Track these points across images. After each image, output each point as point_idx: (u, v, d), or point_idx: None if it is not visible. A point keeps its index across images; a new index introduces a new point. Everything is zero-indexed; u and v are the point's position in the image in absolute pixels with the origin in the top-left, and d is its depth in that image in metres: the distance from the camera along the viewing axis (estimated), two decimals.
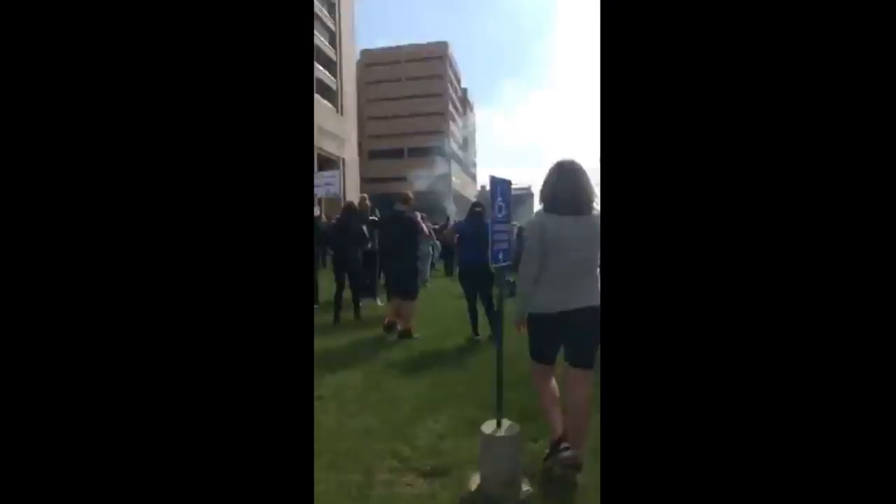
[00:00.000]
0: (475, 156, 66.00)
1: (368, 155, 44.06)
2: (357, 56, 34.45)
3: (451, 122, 47.84)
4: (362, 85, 44.35)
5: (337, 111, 27.85)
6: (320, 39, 26.75)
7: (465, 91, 56.81)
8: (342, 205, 5.35)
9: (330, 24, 27.89)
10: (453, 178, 44.30)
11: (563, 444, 1.67)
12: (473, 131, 64.23)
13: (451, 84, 48.78)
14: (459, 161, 51.66)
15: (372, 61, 46.56)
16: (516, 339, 1.91)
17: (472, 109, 62.54)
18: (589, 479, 1.66)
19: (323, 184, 6.57)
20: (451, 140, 48.05)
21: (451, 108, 48.40)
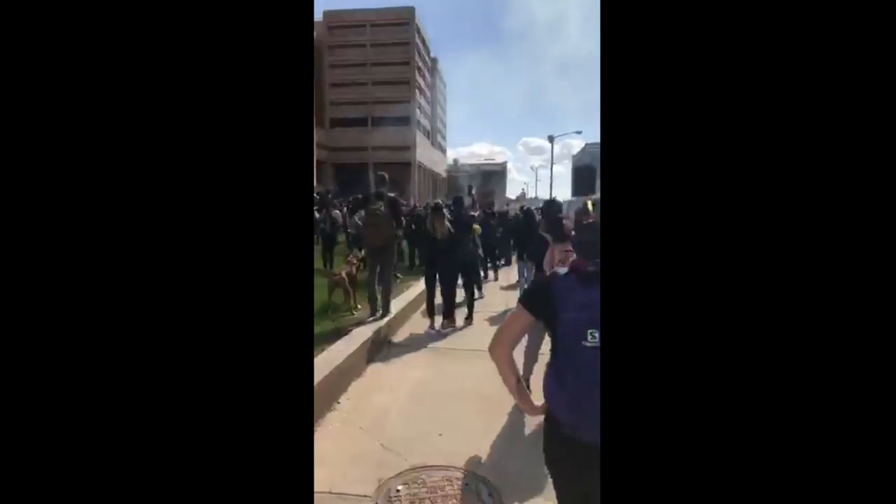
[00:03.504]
0: (444, 128, 66.22)
1: (330, 123, 43.23)
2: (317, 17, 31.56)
3: (417, 92, 47.51)
4: (325, 48, 42.83)
5: None
6: None
7: (434, 60, 56.20)
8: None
9: None
10: (419, 150, 44.73)
11: None
12: (443, 101, 64.13)
13: (419, 52, 48.46)
14: (427, 133, 52.00)
15: (335, 23, 44.61)
16: None
17: (441, 79, 62.21)
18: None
19: None
20: (419, 111, 48.67)
21: (418, 76, 47.76)
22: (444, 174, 60.95)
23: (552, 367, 1.14)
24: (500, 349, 1.21)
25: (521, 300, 1.22)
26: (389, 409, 2.96)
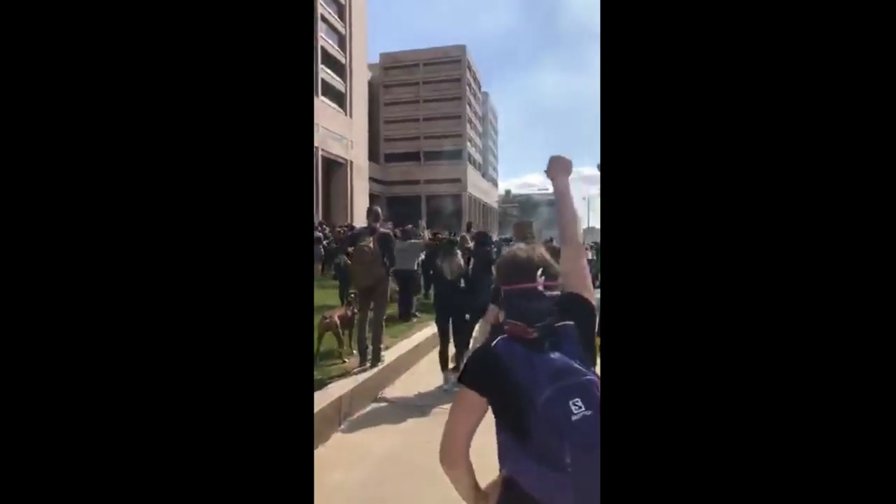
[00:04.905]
0: (497, 160, 66.28)
1: (385, 158, 44.68)
2: (367, 59, 34.47)
3: (468, 126, 48.33)
4: (380, 88, 44.86)
5: (345, 114, 27.85)
6: (328, 42, 26.71)
7: (485, 95, 57.04)
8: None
9: (339, 26, 28.03)
10: (470, 183, 44.99)
11: None
12: (494, 134, 64.42)
13: (470, 87, 49.06)
14: (478, 165, 52.29)
15: (390, 64, 46.66)
16: None
17: (493, 112, 62.69)
18: None
19: None
20: (470, 144, 49.07)
21: (469, 111, 48.59)
22: (495, 205, 60.83)
23: (528, 456, 0.95)
24: (453, 456, 1.00)
25: (465, 380, 1.01)
26: (339, 495, 2.38)
